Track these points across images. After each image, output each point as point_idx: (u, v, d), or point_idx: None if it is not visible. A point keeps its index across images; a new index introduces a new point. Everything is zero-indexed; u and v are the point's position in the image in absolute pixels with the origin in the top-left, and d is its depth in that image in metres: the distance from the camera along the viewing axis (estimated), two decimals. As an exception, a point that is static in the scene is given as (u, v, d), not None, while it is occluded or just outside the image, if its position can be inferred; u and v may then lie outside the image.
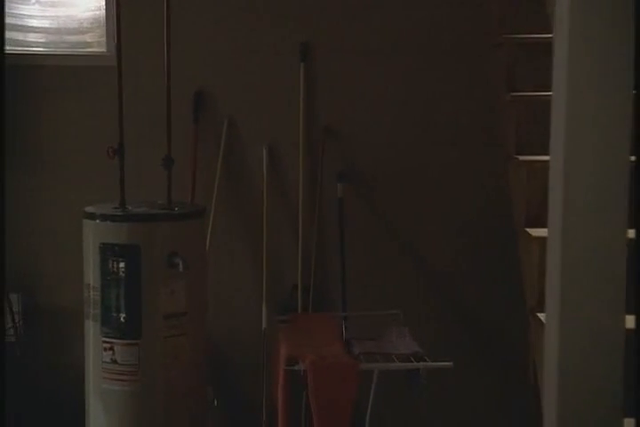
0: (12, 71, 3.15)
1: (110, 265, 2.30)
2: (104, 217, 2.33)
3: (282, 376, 2.13)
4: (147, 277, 2.29)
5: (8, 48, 3.22)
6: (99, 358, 2.32)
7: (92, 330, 2.36)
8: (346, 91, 3.16)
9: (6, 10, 3.25)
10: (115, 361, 2.30)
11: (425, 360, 2.18)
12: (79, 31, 3.32)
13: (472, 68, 3.13)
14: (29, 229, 3.16)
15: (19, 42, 3.26)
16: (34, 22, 3.27)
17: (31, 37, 3.30)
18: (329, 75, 3.15)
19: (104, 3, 3.17)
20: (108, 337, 2.30)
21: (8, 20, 3.25)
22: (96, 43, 3.31)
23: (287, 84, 3.13)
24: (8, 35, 3.27)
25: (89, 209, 2.39)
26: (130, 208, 2.42)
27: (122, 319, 2.30)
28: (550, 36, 2.09)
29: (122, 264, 2.29)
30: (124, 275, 2.30)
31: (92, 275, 2.35)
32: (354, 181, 3.17)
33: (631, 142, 1.61)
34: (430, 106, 3.16)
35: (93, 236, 2.35)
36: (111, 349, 2.29)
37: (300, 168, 3.15)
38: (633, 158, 1.67)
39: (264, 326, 3.12)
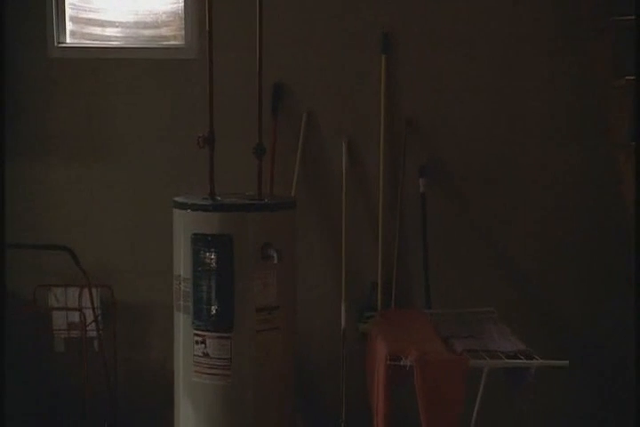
0: (89, 65, 3.20)
1: (202, 256, 2.25)
2: (195, 207, 2.28)
3: (384, 372, 2.04)
4: (239, 268, 2.23)
5: (88, 42, 3.25)
6: (190, 352, 2.27)
7: (182, 323, 2.31)
8: (429, 82, 3.07)
9: (85, 4, 3.27)
10: (206, 355, 2.24)
11: (535, 358, 2.07)
12: (155, 25, 3.30)
13: (576, 53, 3.01)
14: (107, 225, 3.14)
15: (96, 36, 3.26)
16: (112, 16, 3.26)
17: (109, 31, 3.30)
18: (411, 66, 3.07)
19: (183, -4, 3.16)
20: (200, 330, 2.25)
21: (87, 15, 3.26)
22: (172, 36, 3.29)
23: (368, 75, 3.06)
24: (87, 29, 3.28)
25: (179, 199, 2.34)
26: (219, 199, 2.37)
27: (213, 312, 2.24)
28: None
29: (214, 255, 2.24)
30: (215, 266, 2.24)
31: (182, 266, 2.30)
32: (437, 176, 3.08)
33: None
34: (522, 95, 3.04)
35: (184, 226, 2.30)
36: (203, 342, 2.23)
37: (380, 162, 3.07)
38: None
39: (343, 324, 3.04)
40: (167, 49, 3.16)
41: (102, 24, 3.28)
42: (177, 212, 2.31)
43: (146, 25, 3.28)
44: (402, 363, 1.98)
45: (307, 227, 3.13)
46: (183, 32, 3.19)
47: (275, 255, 2.18)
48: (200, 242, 2.24)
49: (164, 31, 3.30)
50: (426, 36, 3.07)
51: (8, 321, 2.90)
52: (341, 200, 3.06)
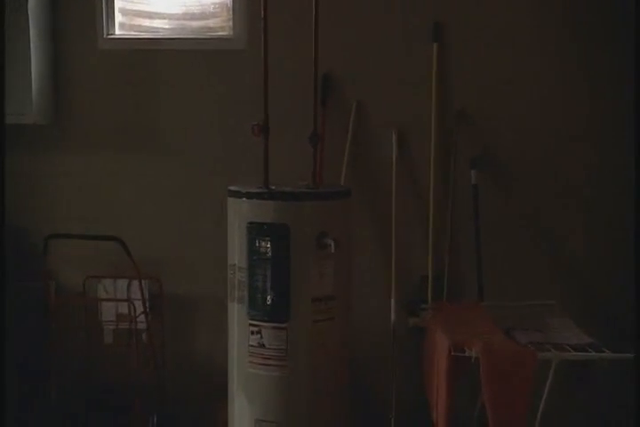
0: (138, 56, 3.20)
1: (257, 245, 2.22)
2: (251, 195, 2.25)
3: (446, 364, 1.99)
4: (295, 257, 2.20)
5: (136, 33, 3.25)
6: (245, 342, 2.24)
7: (236, 312, 2.28)
8: (481, 72, 3.00)
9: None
10: (262, 345, 2.21)
11: (603, 351, 2.00)
12: (203, 16, 3.28)
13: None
14: (156, 216, 3.13)
15: (145, 27, 3.26)
16: (160, 8, 3.26)
17: (157, 23, 3.29)
18: (463, 55, 3.00)
19: (232, -14, 3.14)
20: (256, 320, 2.22)
21: (135, 7, 3.26)
22: (220, 28, 3.27)
23: (419, 65, 3.01)
24: (135, 21, 3.29)
25: (234, 187, 2.32)
26: (274, 188, 2.35)
27: (269, 301, 2.22)
28: None
29: (269, 244, 2.21)
30: (271, 255, 2.21)
31: (237, 255, 2.27)
32: (489, 168, 3.02)
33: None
34: (577, 88, 2.96)
35: (240, 215, 2.27)
36: (259, 332, 2.21)
37: (431, 154, 3.01)
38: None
39: (393, 317, 3.00)
40: (215, 40, 3.15)
41: (150, 16, 3.28)
42: (232, 200, 2.29)
43: (193, 16, 3.27)
44: (467, 354, 1.94)
45: (355, 219, 3.10)
46: (231, 23, 3.18)
47: (332, 244, 2.15)
48: (256, 231, 2.21)
49: (211, 22, 3.29)
50: (478, 25, 3.01)
51: (59, 312, 2.94)
52: (390, 191, 3.02)
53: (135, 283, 3.04)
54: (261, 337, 2.20)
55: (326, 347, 2.24)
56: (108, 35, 3.15)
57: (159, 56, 3.12)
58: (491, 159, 3.03)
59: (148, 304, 2.98)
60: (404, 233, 3.03)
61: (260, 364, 2.21)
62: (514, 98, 3.01)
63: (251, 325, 2.22)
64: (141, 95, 3.12)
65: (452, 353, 1.99)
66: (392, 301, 3.01)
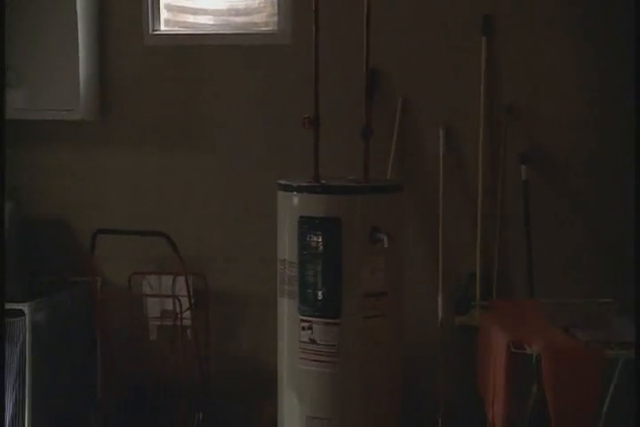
0: (183, 52, 3.20)
1: (308, 239, 2.19)
2: (302, 189, 2.23)
3: (505, 362, 1.94)
4: (347, 252, 2.16)
5: (181, 29, 3.26)
6: (295, 338, 2.21)
7: (287, 308, 2.25)
8: (531, 66, 2.94)
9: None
10: (313, 341, 2.17)
11: (670, 349, 1.94)
12: (247, 12, 3.28)
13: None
14: (201, 212, 3.11)
15: (189, 24, 3.26)
16: (204, 4, 3.26)
17: (201, 19, 3.29)
18: (513, 49, 2.94)
19: (276, -18, 3.12)
20: (306, 315, 2.19)
21: (180, 3, 3.27)
22: (263, 23, 3.26)
23: (467, 60, 2.95)
24: (180, 17, 3.29)
25: (284, 181, 2.29)
26: (323, 182, 2.32)
27: (320, 297, 2.18)
28: None
29: (321, 238, 2.18)
30: (322, 250, 2.18)
31: (287, 250, 2.25)
32: (539, 163, 2.95)
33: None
34: (626, 81, 2.90)
35: (290, 209, 2.25)
36: (310, 328, 2.17)
37: (479, 149, 2.95)
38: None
39: (440, 316, 2.95)
40: (260, 35, 3.13)
41: (195, 12, 3.28)
42: (282, 194, 2.26)
43: (238, 12, 3.26)
44: (527, 351, 1.88)
45: (402, 215, 3.06)
46: (275, 18, 3.16)
47: (385, 239, 2.11)
48: (307, 225, 2.18)
49: (255, 18, 3.28)
50: (528, 18, 2.94)
51: (105, 308, 2.94)
52: (438, 187, 2.97)
53: (180, 279, 3.03)
54: (312, 333, 2.16)
55: (378, 343, 2.20)
56: (153, 31, 3.15)
57: (204, 52, 3.11)
58: (541, 154, 2.97)
59: (192, 301, 2.98)
60: (452, 230, 2.98)
61: (310, 360, 2.18)
62: (564, 91, 2.95)
63: (301, 320, 2.18)
64: (187, 91, 3.12)
65: (512, 350, 1.94)
66: (439, 299, 2.96)
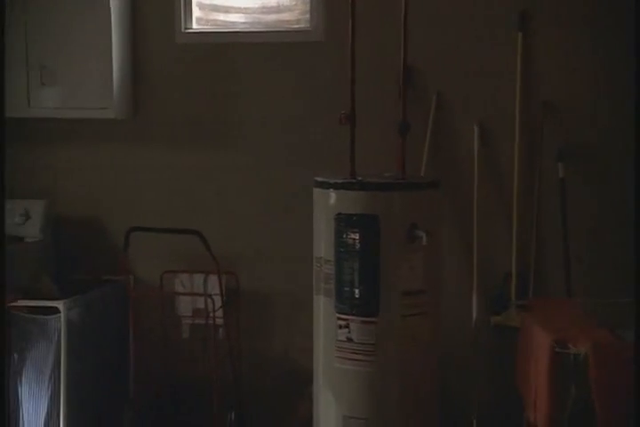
0: (215, 50, 3.19)
1: (345, 237, 2.17)
2: (339, 186, 2.20)
3: (549, 361, 1.89)
4: (385, 249, 2.14)
5: (213, 28, 3.25)
6: (332, 336, 2.19)
7: (323, 306, 2.23)
8: (568, 62, 2.89)
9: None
10: (350, 340, 2.15)
11: None
12: (278, 10, 3.26)
13: None
14: (233, 210, 3.10)
15: (221, 22, 3.26)
16: (236, 2, 3.25)
17: (232, 17, 3.29)
18: (549, 45, 2.89)
19: (308, -20, 3.11)
20: (343, 314, 2.17)
21: (211, 1, 3.26)
22: (295, 21, 3.24)
23: (503, 56, 2.90)
24: (212, 15, 3.29)
25: (321, 178, 2.27)
26: (360, 178, 2.29)
27: (357, 295, 2.16)
28: None
29: (358, 235, 2.16)
30: (359, 247, 2.15)
31: (323, 247, 2.23)
32: (577, 160, 2.90)
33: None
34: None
35: (327, 206, 2.23)
36: (347, 326, 2.15)
37: (515, 146, 2.90)
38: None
39: (474, 315, 2.91)
40: (293, 32, 3.11)
41: (227, 10, 3.27)
42: (318, 191, 2.24)
43: (269, 10, 3.25)
44: (572, 351, 1.84)
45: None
46: (307, 16, 3.14)
47: (423, 236, 2.08)
48: (344, 222, 2.16)
49: (286, 16, 3.26)
50: (564, 14, 2.89)
51: (137, 307, 2.94)
52: (472, 184, 2.92)
53: (212, 278, 3.03)
54: (349, 331, 2.14)
55: (416, 342, 2.17)
56: (185, 29, 3.15)
57: (236, 49, 3.10)
58: (579, 151, 2.91)
59: (225, 300, 2.97)
60: (487, 228, 2.93)
61: (347, 359, 2.15)
62: (602, 87, 2.89)
63: (338, 318, 2.16)
64: (219, 89, 3.11)
65: (556, 350, 1.89)
66: (473, 298, 2.92)
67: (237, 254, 3.11)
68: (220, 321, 2.90)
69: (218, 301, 2.90)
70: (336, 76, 3.05)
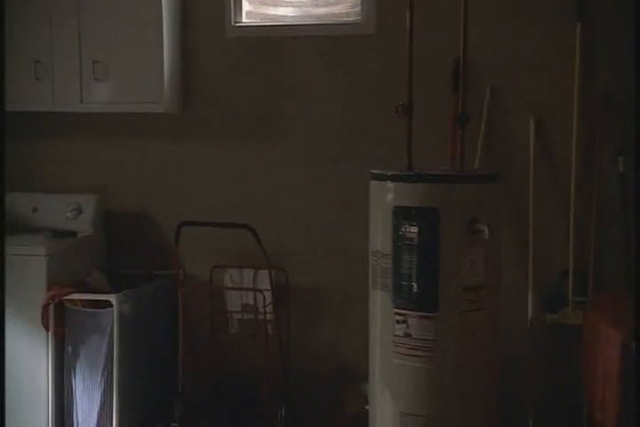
0: (266, 43, 3.17)
1: (404, 230, 2.12)
2: (397, 178, 2.16)
3: (618, 359, 1.83)
4: (445, 243, 2.08)
5: (260, 21, 3.23)
6: (389, 332, 2.14)
7: (380, 301, 2.19)
8: (630, 53, 2.81)
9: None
10: (408, 335, 2.10)
11: None
12: (328, 3, 3.22)
13: None
14: (283, 205, 3.08)
15: (270, 16, 3.24)
16: (284, -4, 3.24)
17: (282, 11, 3.27)
18: (609, 35, 2.80)
19: (358, -28, 3.07)
20: (401, 308, 2.12)
21: (261, -4, 3.25)
22: (345, 14, 3.21)
23: (561, 47, 2.83)
24: (261, 9, 3.27)
25: (377, 171, 2.23)
26: (417, 171, 2.24)
27: (414, 290, 2.11)
28: None
29: (417, 229, 2.11)
30: (418, 241, 2.11)
31: (380, 241, 2.18)
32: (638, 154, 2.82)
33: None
34: None
35: (384, 199, 2.18)
36: (404, 321, 2.10)
37: (573, 140, 2.82)
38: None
39: (530, 314, 2.84)
40: (344, 25, 3.08)
41: (276, 3, 3.25)
42: (375, 184, 2.20)
43: (318, 3, 3.22)
44: (645, 348, 1.77)
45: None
46: (357, 8, 3.10)
47: (486, 229, 2.02)
48: (402, 215, 2.11)
49: (336, 9, 3.23)
50: (625, 3, 2.81)
51: (187, 302, 2.93)
52: (528, 178, 2.85)
53: (261, 273, 3.01)
54: (407, 327, 2.09)
55: (476, 338, 2.11)
56: (235, 23, 3.14)
57: (286, 43, 3.08)
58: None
59: (275, 295, 2.94)
60: (543, 223, 2.86)
61: (405, 354, 2.10)
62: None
63: (396, 313, 2.11)
64: (269, 83, 3.09)
65: (630, 348, 1.82)
66: (529, 296, 2.85)
67: (286, 250, 3.09)
68: (269, 316, 2.89)
69: (268, 296, 2.88)
70: (387, 69, 3.03)
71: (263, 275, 2.99)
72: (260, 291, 2.87)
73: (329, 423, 2.98)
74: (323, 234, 3.07)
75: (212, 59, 3.14)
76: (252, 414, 2.90)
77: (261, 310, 2.89)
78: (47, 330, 2.70)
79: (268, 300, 2.87)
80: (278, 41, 3.09)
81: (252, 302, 3.00)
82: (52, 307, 2.70)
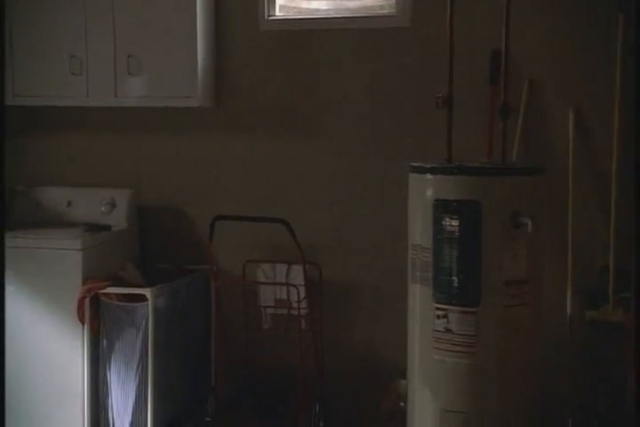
0: (299, 36, 3.15)
1: (444, 223, 2.09)
2: (437, 170, 2.12)
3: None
4: (487, 237, 2.04)
5: (294, 15, 3.21)
6: (429, 327, 2.11)
7: (419, 295, 2.16)
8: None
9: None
10: (449, 330, 2.07)
11: None
12: (361, -5, 3.21)
13: None
14: (315, 200, 3.05)
15: (303, 9, 3.21)
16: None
17: (314, 4, 3.24)
18: (652, 25, 2.77)
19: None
20: (442, 303, 2.08)
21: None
22: (378, 6, 3.17)
23: (601, 37, 2.77)
24: (294, 3, 3.25)
25: (416, 163, 2.20)
26: (458, 163, 2.21)
27: (455, 284, 2.08)
28: None
29: (458, 222, 2.07)
30: (459, 234, 2.07)
31: (420, 234, 2.15)
32: (682, 147, 2.76)
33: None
34: None
35: (424, 191, 2.14)
36: (445, 316, 2.07)
37: (614, 133, 2.76)
38: None
39: (569, 310, 2.78)
40: (379, 17, 3.04)
41: (308, -4, 3.24)
42: (415, 177, 2.17)
43: (352, -5, 3.20)
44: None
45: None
46: (392, 1, 3.06)
47: (529, 223, 1.98)
48: (443, 208, 2.08)
49: (369, 2, 3.20)
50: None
51: (220, 297, 2.92)
52: (567, 171, 2.79)
53: (294, 268, 2.99)
54: (448, 322, 2.06)
55: (518, 334, 2.07)
56: (268, 16, 3.12)
57: (320, 36, 3.05)
58: (684, 138, 2.76)
59: (309, 290, 2.92)
60: (583, 217, 2.80)
61: (446, 350, 2.07)
62: None
63: (436, 308, 2.08)
64: (302, 76, 3.06)
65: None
66: (568, 292, 2.79)
67: (320, 244, 3.05)
68: (303, 312, 2.86)
69: (302, 291, 2.86)
70: (422, 61, 2.99)
71: (296, 270, 2.98)
72: (295, 286, 2.86)
73: (363, 421, 2.95)
74: (356, 228, 3.04)
75: (246, 52, 3.12)
76: (286, 410, 2.89)
77: (295, 305, 2.88)
78: (82, 324, 2.71)
79: (302, 295, 2.85)
80: (311, 34, 3.06)
81: (285, 297, 2.99)
82: (87, 301, 2.71)
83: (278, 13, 3.18)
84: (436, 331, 2.09)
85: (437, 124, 2.61)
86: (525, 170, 2.12)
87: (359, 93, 3.04)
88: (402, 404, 2.75)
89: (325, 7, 3.24)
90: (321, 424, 2.84)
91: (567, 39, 2.83)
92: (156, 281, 2.88)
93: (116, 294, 2.75)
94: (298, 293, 2.83)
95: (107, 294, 2.73)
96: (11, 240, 2.83)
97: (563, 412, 2.77)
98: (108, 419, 2.74)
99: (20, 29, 3.06)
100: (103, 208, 3.06)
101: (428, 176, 2.12)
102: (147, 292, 2.68)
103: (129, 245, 3.09)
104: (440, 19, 2.68)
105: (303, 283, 2.85)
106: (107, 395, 2.72)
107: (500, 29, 2.80)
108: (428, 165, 2.13)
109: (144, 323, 2.67)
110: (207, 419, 2.87)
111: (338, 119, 3.06)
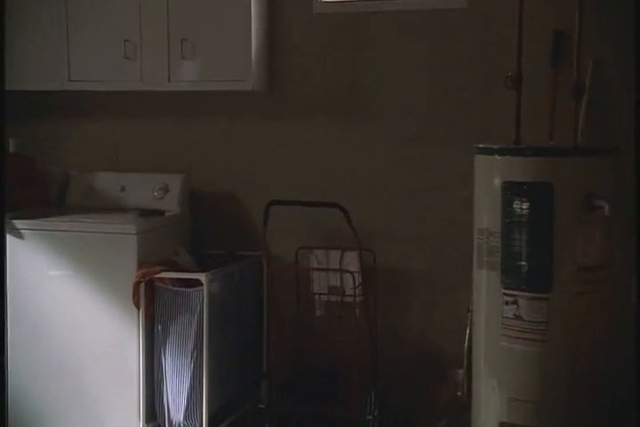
0: (353, 19, 3.09)
1: (514, 206, 2.02)
2: (505, 151, 2.05)
3: None
4: (559, 220, 1.97)
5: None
6: (497, 313, 2.04)
7: (486, 280, 2.09)
8: None
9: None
10: (518, 317, 2.00)
11: None
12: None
13: None
14: (370, 186, 2.99)
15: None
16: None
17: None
18: None
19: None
20: (511, 289, 2.02)
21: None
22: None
23: (670, 16, 2.69)
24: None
25: (483, 144, 2.13)
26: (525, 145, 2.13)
27: (525, 269, 2.01)
28: None
29: (528, 205, 2.00)
30: (529, 218, 2.00)
31: (487, 218, 2.08)
32: None
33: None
34: None
35: (492, 173, 2.08)
36: (514, 302, 2.00)
37: (683, 115, 2.68)
38: None
39: (635, 298, 2.69)
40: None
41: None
42: (482, 158, 2.10)
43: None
44: None
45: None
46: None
47: (605, 206, 1.90)
48: (512, 191, 2.01)
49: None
50: None
51: (273, 283, 2.89)
52: (630, 154, 2.68)
53: (347, 254, 2.94)
54: (518, 308, 1.99)
55: (591, 322, 2.00)
56: (322, -1, 3.08)
57: (374, 18, 2.98)
58: None
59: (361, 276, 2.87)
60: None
61: (515, 337, 2.00)
62: None
63: (505, 294, 2.02)
64: (356, 59, 3.00)
65: None
66: (633, 280, 2.70)
67: (374, 231, 2.99)
68: (358, 299, 2.82)
69: (356, 278, 2.81)
70: (479, 43, 2.91)
71: (350, 256, 2.92)
72: (350, 272, 2.81)
73: (419, 410, 2.90)
74: (411, 215, 2.98)
75: (299, 36, 3.07)
76: (340, 398, 2.85)
77: (350, 291, 2.83)
78: (138, 308, 2.70)
79: (357, 281, 2.81)
80: (366, 16, 3.00)
81: (338, 284, 2.94)
82: (142, 285, 2.70)
83: (332, -5, 3.14)
84: (505, 318, 2.02)
85: (497, 108, 2.53)
86: (601, 150, 2.04)
87: (413, 76, 2.97)
88: (458, 393, 2.70)
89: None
90: (375, 412, 2.81)
91: (630, 16, 2.72)
92: (208, 266, 2.86)
93: (171, 279, 2.74)
94: (353, 279, 2.79)
95: (161, 279, 2.72)
96: (66, 224, 2.89)
97: (633, 403, 2.70)
98: (163, 404, 2.72)
99: (75, 14, 3.06)
100: (156, 193, 3.04)
101: (497, 157, 2.06)
102: (201, 277, 2.66)
103: (181, 230, 3.08)
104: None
105: (358, 269, 2.82)
106: (162, 380, 2.70)
107: (562, 9, 2.75)
108: (497, 146, 2.07)
109: (199, 308, 2.65)
110: (260, 406, 2.86)
111: (393, 103, 2.99)
